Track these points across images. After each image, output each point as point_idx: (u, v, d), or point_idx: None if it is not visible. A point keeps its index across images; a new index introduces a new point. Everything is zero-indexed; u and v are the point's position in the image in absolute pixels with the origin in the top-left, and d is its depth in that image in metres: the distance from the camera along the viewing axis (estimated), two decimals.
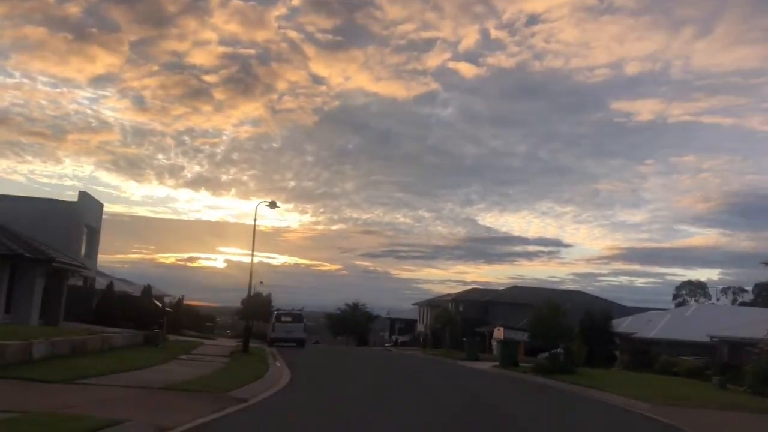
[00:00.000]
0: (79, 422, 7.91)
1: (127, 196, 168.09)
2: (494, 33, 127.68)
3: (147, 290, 39.01)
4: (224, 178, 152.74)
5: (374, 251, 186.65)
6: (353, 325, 74.82)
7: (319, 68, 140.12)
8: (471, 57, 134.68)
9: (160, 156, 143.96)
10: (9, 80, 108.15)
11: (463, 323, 53.58)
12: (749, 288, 79.96)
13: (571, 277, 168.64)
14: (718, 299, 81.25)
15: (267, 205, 29.07)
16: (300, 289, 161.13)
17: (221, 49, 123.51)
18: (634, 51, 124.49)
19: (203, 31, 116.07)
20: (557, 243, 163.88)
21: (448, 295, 72.57)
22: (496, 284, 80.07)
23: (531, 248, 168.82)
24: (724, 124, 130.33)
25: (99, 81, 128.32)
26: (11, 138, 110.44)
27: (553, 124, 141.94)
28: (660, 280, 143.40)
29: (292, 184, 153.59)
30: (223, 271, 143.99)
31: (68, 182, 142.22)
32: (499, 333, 41.30)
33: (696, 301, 79.85)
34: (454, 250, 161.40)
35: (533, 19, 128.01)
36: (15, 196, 32.66)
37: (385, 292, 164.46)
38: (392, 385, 19.02)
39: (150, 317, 32.16)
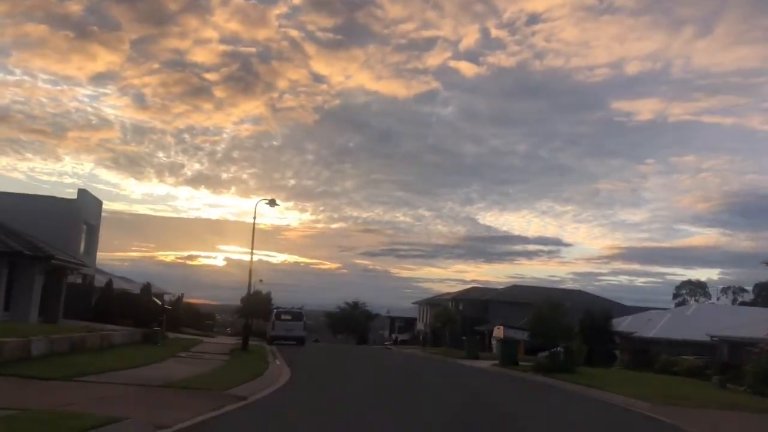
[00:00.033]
0: (78, 420, 7.85)
1: (127, 193, 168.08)
2: (495, 32, 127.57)
3: (146, 288, 38.98)
4: (224, 176, 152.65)
5: (374, 250, 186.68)
6: (353, 323, 74.81)
7: (319, 67, 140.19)
8: (471, 56, 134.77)
9: (160, 154, 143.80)
10: (10, 78, 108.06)
11: (462, 322, 53.60)
12: (749, 288, 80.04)
13: (571, 276, 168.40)
14: (718, 299, 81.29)
15: (267, 203, 29.04)
16: (300, 287, 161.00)
17: (222, 47, 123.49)
18: (635, 50, 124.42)
19: (204, 29, 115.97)
20: (557, 242, 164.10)
21: (448, 293, 72.58)
22: (496, 283, 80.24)
23: (531, 247, 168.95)
24: (724, 123, 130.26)
25: (99, 79, 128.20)
26: (11, 135, 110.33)
27: (553, 124, 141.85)
28: (660, 280, 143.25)
29: (293, 182, 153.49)
30: (223, 269, 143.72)
31: (68, 180, 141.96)
32: (498, 332, 41.31)
33: (696, 300, 79.84)
34: (454, 249, 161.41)
35: (533, 19, 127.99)
36: (14, 194, 32.61)
37: (384, 290, 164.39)
38: (392, 384, 18.99)
39: (149, 315, 32.15)
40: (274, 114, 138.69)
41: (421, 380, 21.22)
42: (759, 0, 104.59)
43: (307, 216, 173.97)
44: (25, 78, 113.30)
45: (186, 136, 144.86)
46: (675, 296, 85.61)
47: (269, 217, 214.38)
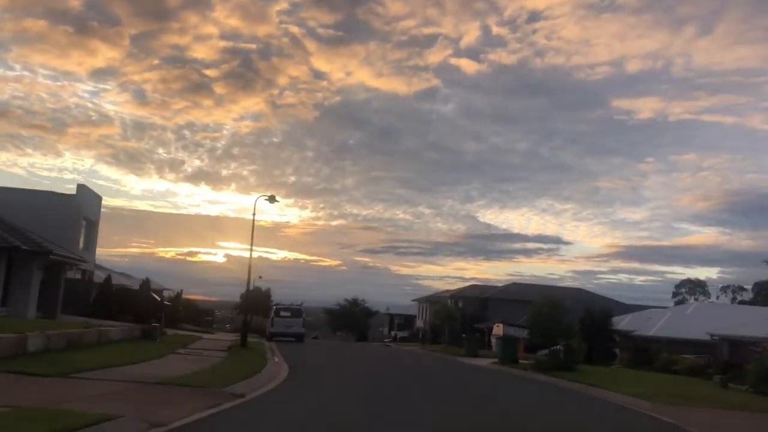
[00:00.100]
0: (71, 418, 7.74)
1: (127, 190, 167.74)
2: (495, 29, 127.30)
3: (145, 284, 38.84)
4: (224, 172, 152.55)
5: (374, 247, 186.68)
6: (352, 320, 74.73)
7: (320, 63, 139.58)
8: (472, 53, 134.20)
9: (160, 150, 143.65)
10: (9, 73, 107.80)
11: (462, 319, 53.49)
12: (749, 287, 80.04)
13: (570, 274, 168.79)
14: (717, 298, 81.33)
15: (266, 200, 28.95)
16: (299, 284, 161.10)
17: (222, 43, 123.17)
18: (635, 49, 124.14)
19: (204, 25, 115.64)
20: (557, 240, 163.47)
21: (448, 291, 72.52)
22: (496, 281, 79.82)
23: (530, 245, 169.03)
24: (724, 122, 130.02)
25: (99, 74, 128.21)
26: (11, 131, 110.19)
27: (554, 122, 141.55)
28: (659, 278, 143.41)
29: (293, 179, 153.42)
30: (223, 266, 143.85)
31: (68, 175, 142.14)
32: (498, 330, 41.17)
33: (695, 299, 79.83)
34: (454, 246, 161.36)
35: (534, 16, 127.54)
36: (12, 189, 32.42)
37: (384, 287, 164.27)
38: (390, 382, 18.88)
39: (148, 311, 32.03)
40: (275, 110, 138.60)
41: (420, 378, 21.12)
42: (759, 0, 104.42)
43: (307, 213, 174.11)
44: (25, 73, 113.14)
45: (186, 132, 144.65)
46: (674, 295, 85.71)
47: (269, 214, 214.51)
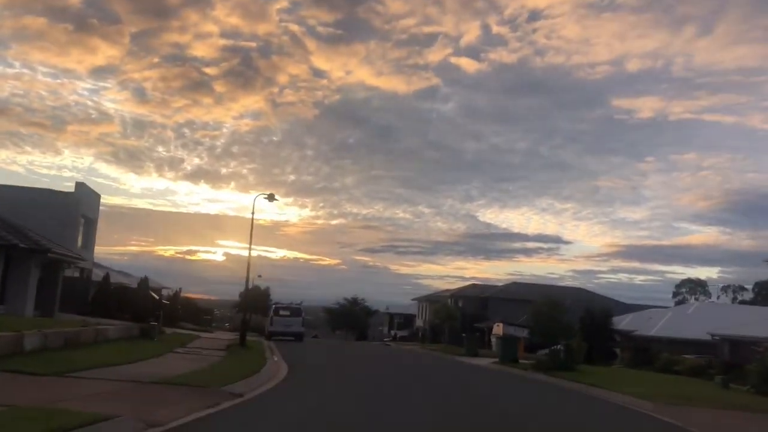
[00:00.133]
0: (67, 417, 7.65)
1: (126, 188, 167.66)
2: (496, 28, 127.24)
3: (144, 282, 38.68)
4: (224, 171, 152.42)
5: (374, 246, 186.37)
6: (352, 319, 74.62)
7: (320, 62, 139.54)
8: (472, 52, 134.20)
9: (160, 148, 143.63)
10: (9, 70, 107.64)
11: (462, 319, 53.42)
12: (749, 286, 79.96)
13: (570, 273, 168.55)
14: (718, 297, 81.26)
15: (265, 198, 28.82)
16: (299, 283, 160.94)
17: (222, 41, 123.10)
18: (636, 48, 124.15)
19: (204, 23, 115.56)
20: (557, 240, 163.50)
21: (447, 290, 72.41)
22: (495, 280, 79.70)
23: (530, 245, 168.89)
24: (724, 122, 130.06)
25: (99, 72, 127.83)
26: (11, 128, 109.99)
27: (554, 121, 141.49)
28: (659, 278, 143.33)
29: (292, 178, 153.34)
30: (222, 264, 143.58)
31: (67, 173, 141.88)
32: (498, 329, 41.06)
33: (696, 299, 79.75)
34: (454, 245, 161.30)
35: (535, 15, 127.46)
36: (10, 186, 32.24)
37: (384, 287, 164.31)
38: (390, 382, 18.77)
39: (146, 309, 31.87)
40: (274, 109, 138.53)
41: (420, 378, 21.00)
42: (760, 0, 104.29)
43: (306, 212, 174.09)
44: (25, 71, 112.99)
45: (186, 130, 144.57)
46: (675, 294, 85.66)
47: (269, 212, 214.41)
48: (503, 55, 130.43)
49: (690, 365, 29.40)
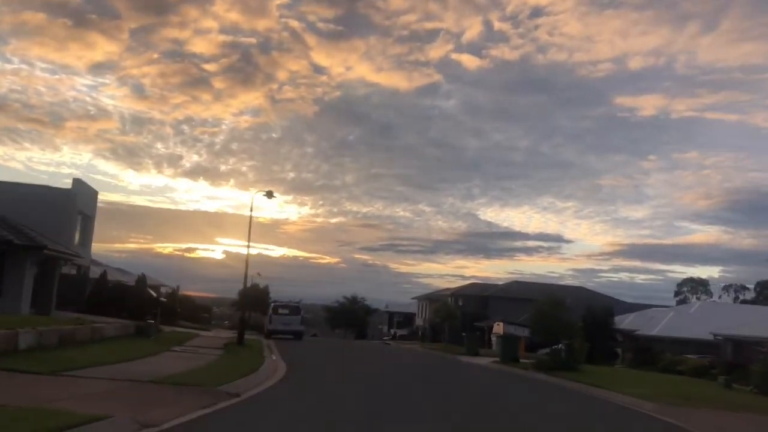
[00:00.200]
0: (59, 418, 7.49)
1: (125, 185, 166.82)
2: (497, 25, 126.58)
3: (141, 279, 38.42)
4: (223, 168, 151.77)
5: (374, 245, 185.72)
6: (352, 318, 74.45)
7: (320, 58, 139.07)
8: (474, 49, 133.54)
9: (158, 145, 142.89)
10: (7, 66, 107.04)
11: (462, 318, 53.22)
12: (751, 286, 79.85)
13: (571, 272, 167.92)
14: (719, 297, 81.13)
15: (264, 195, 28.61)
16: (298, 281, 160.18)
17: (222, 37, 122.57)
18: (638, 45, 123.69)
19: (204, 19, 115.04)
20: (558, 239, 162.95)
21: (448, 289, 72.21)
22: (496, 279, 79.53)
23: (531, 243, 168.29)
24: (727, 120, 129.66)
25: (98, 68, 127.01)
26: (9, 124, 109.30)
27: (556, 119, 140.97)
28: (661, 277, 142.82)
29: (292, 175, 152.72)
30: (221, 262, 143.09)
31: (66, 170, 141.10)
32: (498, 328, 40.86)
33: (697, 298, 79.63)
34: (454, 244, 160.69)
35: (537, 12, 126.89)
36: (6, 182, 31.95)
37: (384, 285, 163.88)
38: (390, 382, 18.57)
39: (144, 307, 31.63)
40: (274, 105, 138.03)
41: (420, 377, 20.82)
42: None
43: (306, 210, 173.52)
44: (23, 66, 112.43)
45: (185, 127, 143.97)
46: (676, 294, 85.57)
47: (268, 210, 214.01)
48: (505, 52, 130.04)
49: (693, 365, 29.19)
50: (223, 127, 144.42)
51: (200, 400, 10.39)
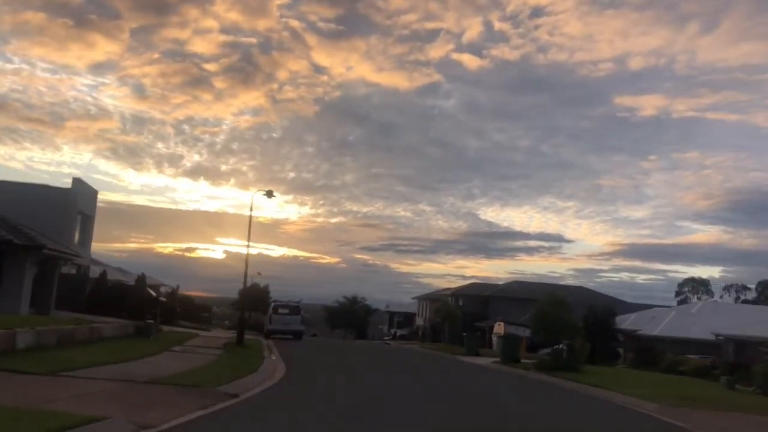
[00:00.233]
0: (56, 419, 7.42)
1: (125, 184, 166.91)
2: (498, 25, 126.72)
3: (141, 279, 38.33)
4: (223, 167, 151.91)
5: (374, 245, 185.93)
6: (352, 318, 74.41)
7: (320, 58, 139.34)
8: (474, 49, 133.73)
9: (159, 145, 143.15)
10: (8, 66, 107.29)
11: (462, 318, 53.10)
12: (752, 286, 79.78)
13: (571, 272, 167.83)
14: (721, 297, 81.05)
15: (264, 194, 28.51)
16: (298, 281, 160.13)
17: (222, 37, 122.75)
18: (639, 46, 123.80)
19: (204, 19, 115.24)
20: (558, 238, 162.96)
21: (448, 289, 72.13)
22: (496, 279, 79.47)
23: (532, 243, 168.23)
24: (728, 120, 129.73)
25: (99, 68, 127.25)
26: (9, 124, 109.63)
27: (556, 118, 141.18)
28: (661, 277, 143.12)
29: (292, 175, 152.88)
30: (221, 262, 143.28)
31: (66, 170, 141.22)
32: (499, 328, 40.78)
33: (698, 298, 79.54)
34: (455, 244, 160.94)
35: (537, 12, 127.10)
36: (6, 182, 31.87)
37: (384, 285, 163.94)
38: (390, 383, 18.47)
39: (143, 307, 31.55)
40: (274, 105, 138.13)
41: (420, 377, 20.75)
42: None
43: (306, 210, 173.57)
44: (24, 66, 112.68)
45: (185, 127, 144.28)
46: (677, 294, 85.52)
47: (268, 210, 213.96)
48: (505, 52, 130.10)
49: (695, 366, 29.09)
50: (224, 126, 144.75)
51: (199, 400, 10.31)
